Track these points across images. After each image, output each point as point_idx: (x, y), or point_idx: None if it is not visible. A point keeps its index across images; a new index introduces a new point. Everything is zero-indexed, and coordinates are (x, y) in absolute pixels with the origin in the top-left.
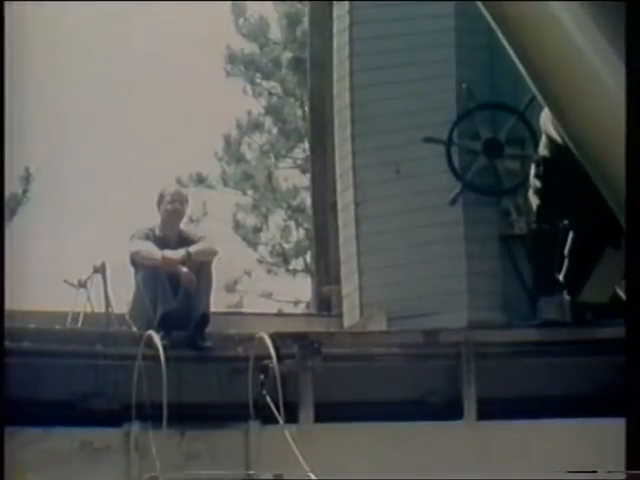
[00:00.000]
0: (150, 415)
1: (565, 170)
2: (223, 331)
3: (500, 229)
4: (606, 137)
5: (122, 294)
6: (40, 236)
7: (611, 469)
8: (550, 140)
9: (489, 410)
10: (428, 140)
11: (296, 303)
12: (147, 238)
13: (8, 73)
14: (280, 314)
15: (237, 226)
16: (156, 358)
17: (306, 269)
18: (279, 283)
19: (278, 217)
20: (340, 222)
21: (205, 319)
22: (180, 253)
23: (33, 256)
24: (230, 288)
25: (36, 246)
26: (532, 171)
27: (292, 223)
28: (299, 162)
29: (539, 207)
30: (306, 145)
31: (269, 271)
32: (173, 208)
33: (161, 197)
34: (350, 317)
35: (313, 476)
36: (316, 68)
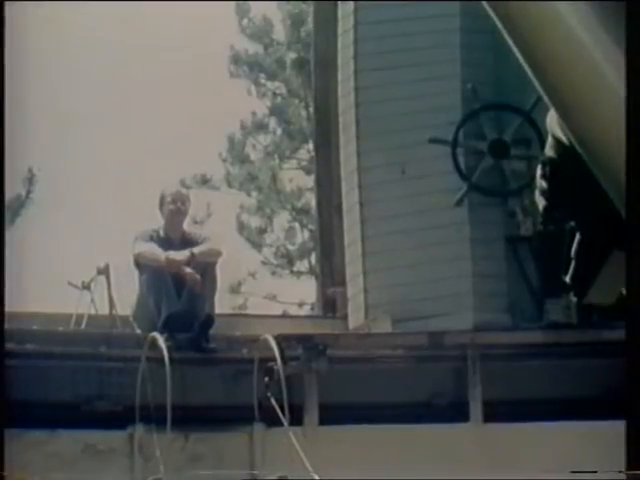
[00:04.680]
0: (154, 417)
1: (572, 171)
2: (227, 333)
3: (506, 230)
4: (612, 138)
5: (126, 296)
6: (43, 238)
7: (614, 469)
8: (557, 141)
9: (495, 412)
10: (433, 141)
11: (301, 305)
12: (151, 239)
13: (8, 73)
14: (285, 316)
15: (241, 227)
16: (160, 360)
17: (311, 271)
18: (284, 285)
19: (283, 218)
20: (345, 223)
21: (209, 321)
22: (184, 254)
23: (36, 258)
24: (234, 290)
25: (39, 248)
26: (538, 172)
27: (297, 224)
28: (304, 163)
29: (545, 208)
30: (311, 146)
31: (273, 273)
32: (175, 208)
33: (162, 198)
34: (355, 319)
35: (317, 477)
36: (320, 68)
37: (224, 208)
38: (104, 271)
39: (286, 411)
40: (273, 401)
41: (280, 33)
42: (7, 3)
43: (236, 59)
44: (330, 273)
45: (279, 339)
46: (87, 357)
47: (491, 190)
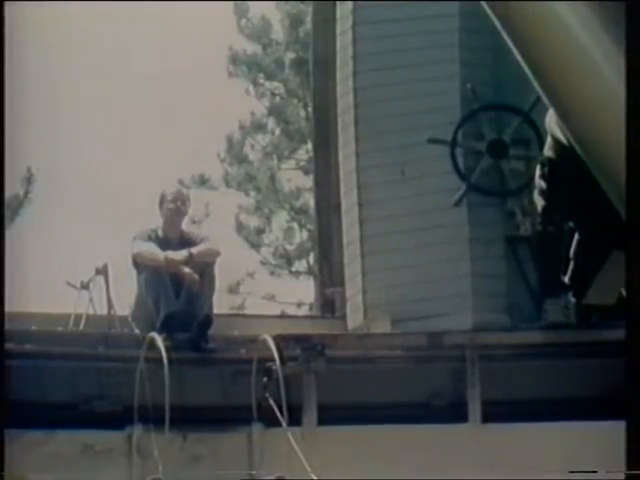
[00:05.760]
0: (153, 417)
1: (571, 171)
2: (226, 333)
3: (505, 230)
4: (612, 138)
5: (124, 296)
6: (42, 237)
7: (614, 469)
8: (556, 141)
9: (494, 412)
10: (432, 141)
11: (299, 305)
12: (149, 239)
13: (8, 73)
14: (283, 316)
15: (240, 227)
16: (158, 360)
17: (309, 271)
18: (282, 285)
19: (281, 218)
20: (344, 223)
21: (208, 321)
22: (183, 254)
23: (35, 258)
24: (233, 290)
25: (38, 247)
26: (537, 172)
27: (295, 224)
28: (302, 163)
29: (544, 208)
30: (309, 146)
31: (272, 273)
32: (175, 207)
33: (162, 197)
34: (354, 319)
35: (316, 478)
36: (319, 69)
37: (222, 208)
38: (102, 271)
39: (284, 411)
40: (271, 401)
41: (279, 33)
42: (7, 3)
43: (235, 59)
44: (329, 273)
45: (277, 339)
46: (86, 357)
47: (490, 190)
